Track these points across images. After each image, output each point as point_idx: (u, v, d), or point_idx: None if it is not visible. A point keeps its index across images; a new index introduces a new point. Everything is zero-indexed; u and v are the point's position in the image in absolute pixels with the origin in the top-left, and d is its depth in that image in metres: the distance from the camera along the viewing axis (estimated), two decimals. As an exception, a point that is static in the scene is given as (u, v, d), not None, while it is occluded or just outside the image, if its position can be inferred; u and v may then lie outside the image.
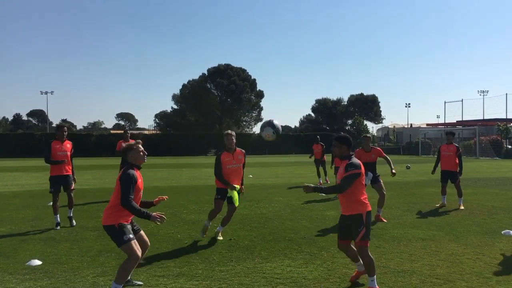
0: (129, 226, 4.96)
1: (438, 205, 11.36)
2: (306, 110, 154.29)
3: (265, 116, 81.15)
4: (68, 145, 9.03)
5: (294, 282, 5.36)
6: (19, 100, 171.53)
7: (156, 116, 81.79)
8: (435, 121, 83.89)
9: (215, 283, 5.33)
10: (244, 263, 6.22)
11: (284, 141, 59.67)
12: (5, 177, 21.66)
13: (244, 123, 77.00)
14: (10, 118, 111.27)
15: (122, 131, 13.28)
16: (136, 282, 5.33)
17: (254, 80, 73.31)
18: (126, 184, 4.86)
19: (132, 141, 12.18)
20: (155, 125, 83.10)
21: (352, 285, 5.28)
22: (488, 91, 68.10)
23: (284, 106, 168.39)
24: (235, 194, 7.50)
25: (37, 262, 6.19)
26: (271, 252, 6.81)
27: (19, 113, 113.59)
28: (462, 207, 10.92)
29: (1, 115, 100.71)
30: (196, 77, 73.07)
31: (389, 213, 10.28)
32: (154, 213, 4.81)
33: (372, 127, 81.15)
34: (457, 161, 11.25)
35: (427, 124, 70.97)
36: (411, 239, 7.63)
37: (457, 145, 11.47)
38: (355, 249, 5.24)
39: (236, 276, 5.61)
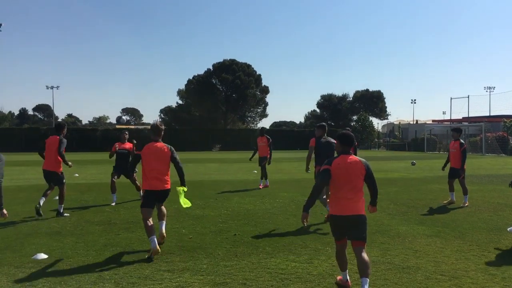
0: None
1: (445, 202, 11.32)
2: (311, 105, 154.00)
3: (270, 111, 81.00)
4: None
5: (298, 278, 5.36)
6: (25, 95, 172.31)
7: (161, 111, 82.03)
8: (441, 117, 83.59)
9: (219, 278, 5.34)
10: (248, 258, 6.22)
11: (289, 136, 59.69)
12: (11, 171, 21.77)
13: (249, 119, 76.94)
14: (16, 112, 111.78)
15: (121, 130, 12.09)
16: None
17: (259, 75, 73.19)
18: None
19: (128, 144, 11.76)
20: (160, 120, 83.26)
21: (356, 281, 5.26)
22: (494, 87, 67.72)
23: (289, 101, 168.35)
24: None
25: (43, 255, 6.22)
26: (276, 247, 6.81)
27: (25, 108, 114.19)
28: (466, 204, 10.84)
29: (7, 110, 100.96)
30: (201, 72, 73.04)
31: (395, 209, 10.26)
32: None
33: (378, 123, 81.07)
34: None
35: (433, 120, 70.66)
36: (416, 236, 7.61)
37: (462, 141, 11.36)
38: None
39: (240, 271, 5.62)
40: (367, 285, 4.71)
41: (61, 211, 9.48)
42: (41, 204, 9.25)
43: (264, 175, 14.59)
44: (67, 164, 9.40)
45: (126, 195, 12.52)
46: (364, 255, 4.86)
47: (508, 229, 8.06)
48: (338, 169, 4.88)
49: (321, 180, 4.94)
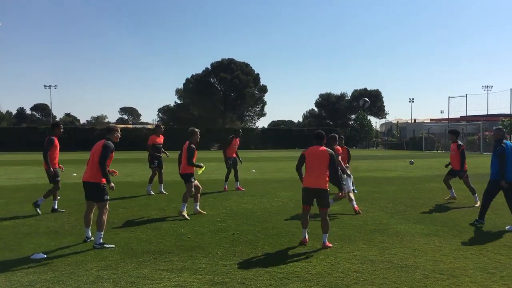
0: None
1: (447, 198, 11.39)
2: (310, 105, 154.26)
3: (268, 110, 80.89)
4: None
5: (297, 277, 5.36)
6: (22, 94, 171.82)
7: (160, 110, 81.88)
8: (439, 116, 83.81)
9: (218, 277, 5.34)
10: (247, 257, 6.22)
11: (287, 136, 59.73)
12: (9, 170, 21.73)
13: (248, 118, 76.94)
14: (14, 112, 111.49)
15: (155, 126, 14.04)
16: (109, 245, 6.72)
17: (258, 74, 73.18)
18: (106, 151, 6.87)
19: (162, 137, 12.99)
20: (159, 119, 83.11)
21: (355, 280, 5.27)
22: (492, 86, 67.53)
23: (288, 100, 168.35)
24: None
25: (41, 255, 6.21)
26: (275, 246, 6.81)
27: (22, 107, 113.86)
28: (478, 204, 10.52)
29: (4, 109, 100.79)
30: (199, 71, 73.00)
31: (393, 208, 10.27)
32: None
33: (376, 122, 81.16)
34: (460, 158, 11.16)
35: (431, 119, 70.75)
36: (414, 235, 7.62)
37: (460, 142, 11.33)
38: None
39: (239, 270, 5.62)
40: (326, 238, 6.84)
41: (39, 202, 9.70)
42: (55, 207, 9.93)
43: (236, 177, 13.91)
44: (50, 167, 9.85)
45: (124, 194, 12.51)
46: (326, 218, 6.87)
47: (506, 227, 8.09)
48: (310, 155, 6.96)
49: (298, 161, 7.11)
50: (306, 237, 6.99)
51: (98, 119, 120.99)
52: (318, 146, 7.01)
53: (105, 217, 6.94)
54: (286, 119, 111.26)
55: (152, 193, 12.57)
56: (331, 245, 6.80)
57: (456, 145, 11.24)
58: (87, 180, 7.00)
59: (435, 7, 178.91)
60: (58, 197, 10.19)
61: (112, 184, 7.06)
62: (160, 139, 12.99)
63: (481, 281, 5.22)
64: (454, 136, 11.36)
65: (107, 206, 7.10)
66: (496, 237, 7.43)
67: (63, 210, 9.84)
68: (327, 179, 6.97)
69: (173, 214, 9.56)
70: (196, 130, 9.42)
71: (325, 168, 6.88)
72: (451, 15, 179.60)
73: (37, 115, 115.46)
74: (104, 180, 6.97)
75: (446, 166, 11.92)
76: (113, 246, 6.78)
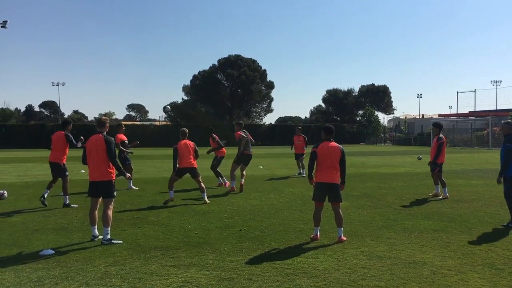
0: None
1: (430, 195, 11.49)
2: (317, 101, 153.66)
3: (276, 107, 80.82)
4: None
5: (304, 273, 5.36)
6: (31, 92, 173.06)
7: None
8: (447, 111, 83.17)
9: (225, 273, 5.35)
10: (254, 253, 6.23)
11: (294, 132, 59.57)
12: (18, 167, 21.90)
13: (255, 114, 76.83)
14: (22, 109, 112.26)
15: (118, 124, 14.56)
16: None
17: (265, 71, 73.00)
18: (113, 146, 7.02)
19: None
20: (166, 116, 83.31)
21: (362, 276, 5.26)
22: (501, 81, 67.41)
23: (295, 96, 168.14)
24: None
25: (50, 251, 6.26)
26: (282, 242, 6.81)
27: (31, 105, 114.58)
28: (440, 196, 11.11)
29: (13, 106, 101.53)
30: (206, 68, 73.00)
31: (400, 204, 10.23)
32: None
33: (384, 118, 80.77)
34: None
35: (439, 115, 70.29)
36: (422, 230, 7.59)
37: (441, 135, 11.26)
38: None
39: (246, 266, 5.63)
40: (342, 232, 6.91)
41: (67, 202, 10.00)
42: (45, 196, 10.03)
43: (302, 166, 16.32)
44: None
45: (131, 190, 12.57)
46: (339, 212, 6.98)
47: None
48: (323, 151, 6.96)
49: (310, 159, 7.08)
50: (318, 234, 7.00)
51: (106, 116, 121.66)
52: (328, 142, 7.03)
53: (110, 213, 6.99)
54: (293, 115, 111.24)
55: (135, 188, 13.13)
56: (345, 238, 6.87)
57: (437, 138, 11.26)
58: (99, 180, 6.99)
59: (444, 1, 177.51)
60: (62, 194, 10.36)
61: (129, 175, 7.40)
62: (124, 137, 13.43)
63: (490, 277, 5.18)
64: (437, 129, 11.35)
65: (113, 202, 7.14)
66: (505, 233, 7.38)
67: (76, 206, 10.09)
68: (339, 174, 7.04)
69: (181, 210, 9.59)
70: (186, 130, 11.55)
71: (337, 163, 6.94)
72: (459, 9, 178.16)
73: (46, 112, 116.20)
74: (114, 176, 7.06)
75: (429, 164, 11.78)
76: (121, 242, 6.82)
